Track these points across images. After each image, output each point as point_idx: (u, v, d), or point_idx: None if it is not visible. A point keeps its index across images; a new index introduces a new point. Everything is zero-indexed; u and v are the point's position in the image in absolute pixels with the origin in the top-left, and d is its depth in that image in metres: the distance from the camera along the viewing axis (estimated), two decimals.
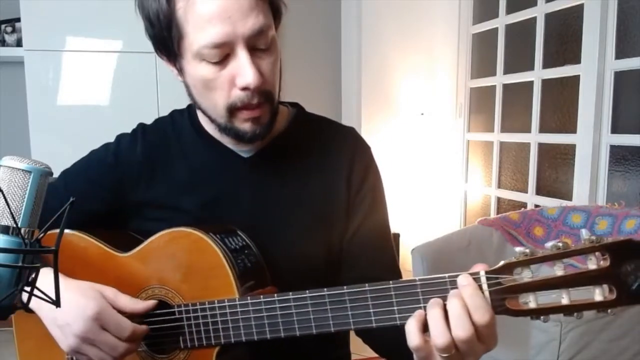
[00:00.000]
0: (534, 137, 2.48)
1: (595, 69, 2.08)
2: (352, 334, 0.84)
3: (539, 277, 0.62)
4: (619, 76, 2.06)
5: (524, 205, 2.54)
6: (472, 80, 2.94)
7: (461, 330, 0.61)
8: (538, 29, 2.40)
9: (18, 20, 2.61)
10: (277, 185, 0.90)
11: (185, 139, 0.93)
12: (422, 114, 3.03)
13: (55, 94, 2.55)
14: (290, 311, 0.73)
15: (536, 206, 2.40)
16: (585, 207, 2.01)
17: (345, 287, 0.71)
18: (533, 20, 2.43)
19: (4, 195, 0.49)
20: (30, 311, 0.78)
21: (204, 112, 0.86)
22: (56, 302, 0.51)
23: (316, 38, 3.22)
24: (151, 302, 0.81)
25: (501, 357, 1.69)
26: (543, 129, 2.45)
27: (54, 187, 0.90)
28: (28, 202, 0.51)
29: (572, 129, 2.25)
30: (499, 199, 2.81)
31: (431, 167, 3.05)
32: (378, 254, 0.92)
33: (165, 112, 0.99)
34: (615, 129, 2.09)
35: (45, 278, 0.53)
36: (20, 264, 0.50)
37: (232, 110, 0.80)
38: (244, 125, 0.81)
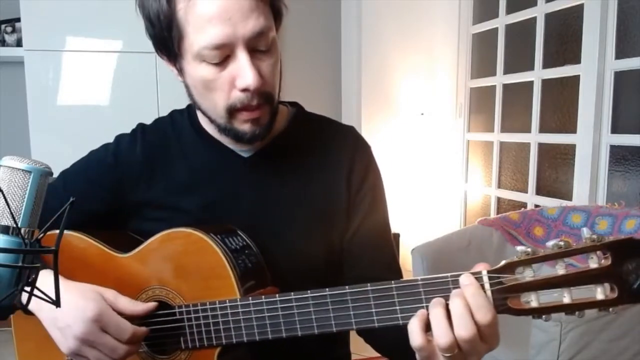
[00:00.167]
0: (534, 137, 2.48)
1: (595, 69, 2.08)
2: (353, 334, 0.84)
3: (540, 276, 0.62)
4: (619, 76, 2.06)
5: (524, 205, 2.54)
6: (472, 80, 2.94)
7: (464, 329, 0.61)
8: (538, 29, 2.40)
9: (18, 20, 2.61)
10: (277, 185, 0.90)
11: (185, 139, 0.93)
12: (422, 114, 3.03)
13: (55, 94, 2.55)
14: (292, 311, 0.73)
15: (536, 206, 2.40)
16: (585, 207, 2.01)
17: (347, 287, 0.71)
18: (533, 20, 2.43)
19: (4, 195, 0.49)
20: (30, 313, 0.79)
21: (203, 113, 0.86)
22: (56, 302, 0.51)
23: (316, 38, 3.22)
24: (151, 304, 0.80)
25: (501, 356, 1.69)
26: (543, 129, 2.45)
27: (53, 187, 0.90)
28: (28, 202, 0.51)
29: (572, 129, 2.25)
30: (499, 199, 2.81)
31: (431, 167, 3.05)
32: (378, 253, 0.92)
33: (165, 112, 0.99)
34: (615, 129, 2.09)
35: (45, 279, 0.53)
36: (20, 264, 0.50)
37: (232, 111, 0.80)
38: (243, 126, 0.81)
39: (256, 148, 0.89)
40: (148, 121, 0.98)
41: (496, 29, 2.70)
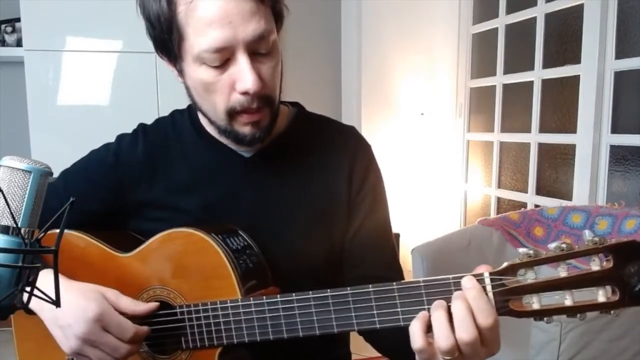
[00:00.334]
0: (534, 137, 2.48)
1: (595, 69, 2.08)
2: (353, 334, 0.84)
3: (542, 279, 0.62)
4: (619, 76, 2.06)
5: (524, 205, 2.54)
6: (472, 80, 2.94)
7: (465, 333, 0.61)
8: (538, 29, 2.39)
9: (18, 20, 2.60)
10: (277, 185, 0.90)
11: (186, 139, 0.93)
12: (422, 114, 3.03)
13: (55, 94, 2.55)
14: (294, 312, 0.73)
15: (536, 206, 2.40)
16: (585, 207, 2.01)
17: (348, 288, 0.71)
18: (533, 20, 2.43)
19: (4, 195, 0.49)
20: (31, 312, 0.78)
21: (204, 114, 0.86)
22: (56, 302, 0.51)
23: (316, 38, 3.22)
24: (153, 304, 0.80)
25: (501, 357, 1.68)
26: (543, 129, 2.45)
27: (54, 187, 0.90)
28: (28, 202, 0.51)
29: (572, 129, 2.25)
30: (499, 199, 2.81)
31: (431, 167, 3.05)
32: (379, 253, 0.92)
33: (165, 112, 0.99)
34: (615, 129, 2.09)
35: (45, 278, 0.53)
36: (20, 264, 0.49)
37: (232, 113, 0.79)
38: (243, 128, 0.81)
39: (257, 148, 0.89)
40: (148, 121, 0.98)
41: (496, 29, 2.70)
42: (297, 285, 0.75)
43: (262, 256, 0.85)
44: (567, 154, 2.33)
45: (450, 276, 0.65)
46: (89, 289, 0.79)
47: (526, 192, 2.56)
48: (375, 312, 0.69)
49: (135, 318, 0.79)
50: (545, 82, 2.41)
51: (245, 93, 0.76)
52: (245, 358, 0.82)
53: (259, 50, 0.76)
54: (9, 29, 2.71)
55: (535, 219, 2.12)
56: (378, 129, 2.95)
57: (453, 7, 2.94)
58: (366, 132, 2.79)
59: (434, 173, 3.05)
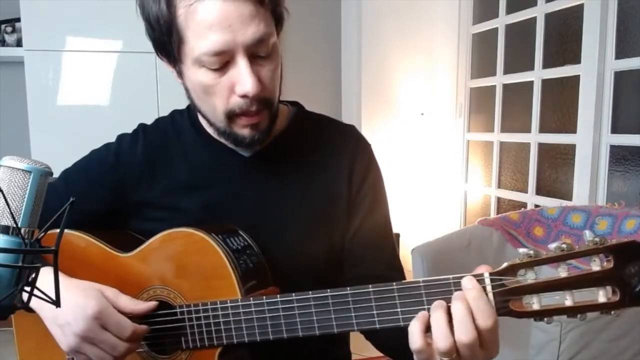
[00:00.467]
0: (534, 137, 2.48)
1: (595, 69, 2.08)
2: (353, 333, 0.84)
3: (542, 279, 0.62)
4: (619, 76, 2.06)
5: (524, 205, 2.54)
6: (472, 80, 2.94)
7: (464, 334, 0.61)
8: (538, 29, 2.39)
9: (18, 20, 2.61)
10: (277, 185, 0.90)
11: (186, 139, 0.93)
12: (422, 114, 3.03)
13: (55, 94, 2.55)
14: (293, 312, 0.73)
15: (536, 206, 2.40)
16: (585, 207, 2.01)
17: (348, 288, 0.71)
18: (533, 20, 2.43)
19: (4, 195, 0.49)
20: (31, 310, 0.78)
21: (203, 116, 0.86)
22: (56, 302, 0.51)
23: (316, 38, 3.22)
24: (152, 303, 0.80)
25: (501, 357, 1.68)
26: (543, 129, 2.45)
27: (54, 187, 0.89)
28: (28, 202, 0.51)
29: (572, 129, 2.25)
30: (499, 199, 2.81)
31: (431, 167, 3.05)
32: (380, 252, 0.92)
33: (165, 112, 0.99)
34: (615, 129, 2.09)
35: (45, 277, 0.53)
36: (20, 264, 0.49)
37: (231, 116, 0.79)
38: (242, 130, 0.81)
39: (256, 148, 0.89)
40: (148, 121, 0.98)
41: (496, 29, 2.70)
42: (297, 285, 0.75)
43: (262, 256, 0.85)
44: (567, 154, 2.33)
45: (451, 276, 0.65)
46: (89, 287, 0.79)
47: (526, 192, 2.56)
48: (375, 312, 0.69)
49: (134, 317, 0.79)
50: (545, 82, 2.41)
51: (244, 96, 0.76)
52: (245, 358, 0.82)
53: (259, 53, 0.76)
54: (9, 29, 2.71)
55: (535, 219, 2.12)
56: (378, 129, 2.95)
57: (453, 7, 2.94)
58: (366, 132, 2.78)
59: (434, 173, 3.05)
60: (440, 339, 0.62)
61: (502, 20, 2.66)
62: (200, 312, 0.79)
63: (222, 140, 0.88)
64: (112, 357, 0.77)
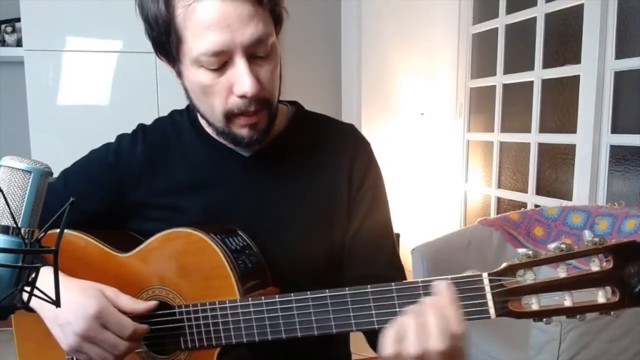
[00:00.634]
0: (534, 137, 2.48)
1: (595, 69, 2.08)
2: (353, 334, 0.84)
3: (541, 279, 0.62)
4: (619, 76, 2.06)
5: (524, 205, 2.54)
6: (472, 80, 2.94)
7: (434, 341, 0.61)
8: (538, 29, 2.40)
9: (18, 20, 2.61)
10: (277, 185, 0.90)
11: (185, 139, 0.93)
12: (422, 114, 3.03)
13: (55, 94, 2.55)
14: (292, 312, 0.73)
15: (536, 206, 2.40)
16: (585, 207, 2.01)
17: (347, 288, 0.71)
18: (533, 20, 2.43)
19: (4, 195, 0.49)
20: (31, 310, 0.78)
21: (202, 116, 0.86)
22: (56, 302, 0.51)
23: (316, 38, 3.22)
24: (152, 303, 0.80)
25: (501, 357, 1.69)
26: (543, 129, 2.45)
27: (54, 187, 0.89)
28: (28, 202, 0.51)
29: (572, 129, 2.25)
30: (499, 199, 2.81)
31: (431, 167, 3.05)
32: (380, 252, 0.92)
33: (165, 112, 0.99)
34: (615, 129, 2.09)
35: (46, 277, 0.53)
36: (20, 264, 0.49)
37: (229, 116, 0.79)
38: (241, 130, 0.81)
39: (256, 148, 0.89)
40: (148, 121, 0.98)
41: (496, 29, 2.70)
42: (298, 285, 0.75)
43: (261, 256, 0.85)
44: (567, 154, 2.33)
45: (449, 277, 0.65)
46: (89, 286, 0.79)
47: (526, 192, 2.56)
48: (373, 312, 0.69)
49: (134, 317, 0.79)
50: (545, 82, 2.41)
51: (242, 96, 0.76)
52: (244, 358, 0.82)
53: (258, 53, 0.76)
54: (9, 29, 2.71)
55: (535, 219, 2.12)
56: (378, 129, 2.95)
57: (453, 7, 2.94)
58: (366, 132, 2.77)
59: (434, 173, 3.05)
60: (410, 345, 0.61)
61: (502, 20, 2.66)
62: (199, 312, 0.79)
63: (222, 140, 0.88)
64: (112, 356, 0.77)
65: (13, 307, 0.50)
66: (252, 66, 0.75)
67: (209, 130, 0.90)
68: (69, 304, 0.75)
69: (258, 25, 0.73)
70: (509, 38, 2.66)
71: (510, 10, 2.61)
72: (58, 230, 0.50)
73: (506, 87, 2.69)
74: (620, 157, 2.10)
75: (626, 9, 2.02)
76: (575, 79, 2.20)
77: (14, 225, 0.49)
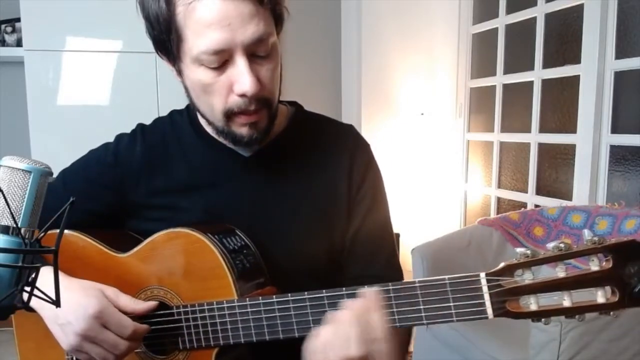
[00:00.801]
0: (534, 137, 2.48)
1: (595, 69, 2.08)
2: None
3: (540, 279, 0.62)
4: (619, 76, 2.06)
5: (524, 205, 2.54)
6: (472, 80, 2.94)
7: (355, 350, 0.62)
8: (538, 29, 2.39)
9: (18, 20, 2.61)
10: (277, 185, 0.90)
11: (185, 139, 0.93)
12: (422, 114, 3.03)
13: (55, 94, 2.55)
14: (289, 312, 0.73)
15: (536, 206, 2.40)
16: (585, 207, 2.01)
17: (344, 288, 0.71)
18: (533, 20, 2.43)
19: (4, 195, 0.49)
20: (32, 310, 0.78)
21: (202, 115, 0.86)
22: (56, 302, 0.51)
23: (316, 38, 3.22)
24: (152, 303, 0.81)
25: (501, 357, 1.69)
26: (543, 129, 2.45)
27: (53, 186, 0.89)
28: (28, 202, 0.51)
29: (572, 129, 2.25)
30: (499, 199, 2.81)
31: (431, 167, 3.05)
32: (379, 252, 0.92)
33: (165, 112, 0.99)
34: (615, 129, 2.09)
35: (46, 277, 0.53)
36: (20, 264, 0.50)
37: (229, 115, 0.79)
38: (241, 129, 0.81)
39: (256, 148, 0.89)
40: (148, 121, 0.98)
41: (496, 29, 2.70)
42: (298, 284, 0.75)
43: (260, 256, 0.85)
44: (567, 154, 2.33)
45: (447, 277, 0.65)
46: (89, 286, 0.79)
47: (526, 192, 2.56)
48: None
49: (134, 317, 0.79)
50: (545, 82, 2.41)
51: (242, 95, 0.76)
52: (242, 358, 0.82)
53: (258, 52, 0.76)
54: (9, 29, 2.71)
55: (535, 219, 2.12)
56: (378, 129, 2.95)
57: (453, 7, 2.93)
58: (366, 132, 2.79)
59: (434, 173, 3.05)
60: (331, 351, 0.63)
61: (502, 20, 2.66)
62: (196, 312, 0.79)
63: (221, 139, 0.88)
64: (113, 355, 0.77)
65: (13, 307, 0.50)
66: (253, 65, 0.75)
67: (208, 130, 0.90)
68: (69, 303, 0.75)
69: (259, 24, 0.74)
70: (509, 38, 2.66)
71: (510, 10, 2.61)
72: (58, 230, 0.50)
73: (506, 87, 2.69)
74: (620, 157, 2.10)
75: (626, 9, 2.02)
76: (575, 79, 2.20)
77: (14, 225, 0.50)
